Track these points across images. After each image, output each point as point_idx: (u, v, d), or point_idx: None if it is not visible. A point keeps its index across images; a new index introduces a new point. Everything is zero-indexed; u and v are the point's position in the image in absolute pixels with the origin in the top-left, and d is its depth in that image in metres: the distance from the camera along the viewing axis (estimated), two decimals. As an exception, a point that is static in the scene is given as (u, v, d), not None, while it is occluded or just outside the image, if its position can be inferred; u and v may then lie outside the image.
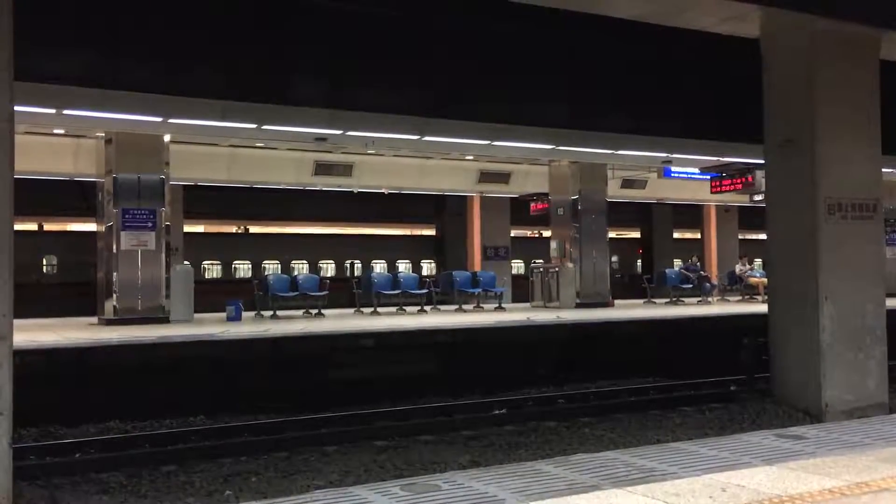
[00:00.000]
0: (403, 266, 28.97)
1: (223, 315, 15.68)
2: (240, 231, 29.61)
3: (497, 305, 19.04)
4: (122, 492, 7.74)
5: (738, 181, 19.00)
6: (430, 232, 29.90)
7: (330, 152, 18.08)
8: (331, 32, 11.28)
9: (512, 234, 27.01)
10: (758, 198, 19.61)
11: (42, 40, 9.58)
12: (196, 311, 15.51)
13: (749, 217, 28.52)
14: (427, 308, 18.36)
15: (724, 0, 9.32)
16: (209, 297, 18.55)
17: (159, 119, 12.65)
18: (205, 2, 10.76)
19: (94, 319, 15.16)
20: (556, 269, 19.59)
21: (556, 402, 12.01)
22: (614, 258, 28.33)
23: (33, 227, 24.49)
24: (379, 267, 28.10)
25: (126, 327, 13.51)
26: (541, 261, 22.02)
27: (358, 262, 28.53)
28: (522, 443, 9.52)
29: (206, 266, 26.35)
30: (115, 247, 14.43)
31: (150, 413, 10.30)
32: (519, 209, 24.81)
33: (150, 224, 14.58)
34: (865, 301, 10.20)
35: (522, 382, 12.81)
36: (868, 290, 10.27)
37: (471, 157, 20.05)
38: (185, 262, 17.56)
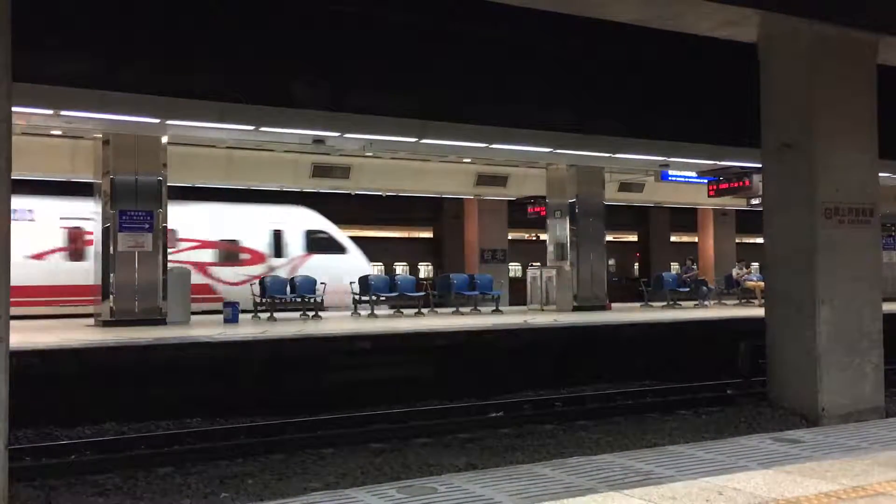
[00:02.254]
0: (400, 268, 28.97)
1: (220, 317, 15.66)
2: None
3: (494, 308, 19.04)
4: (117, 493, 7.73)
5: (736, 185, 19.03)
6: (428, 234, 29.93)
7: (328, 154, 18.09)
8: (330, 34, 11.29)
9: (509, 237, 27.04)
10: (755, 201, 19.63)
11: (40, 41, 9.57)
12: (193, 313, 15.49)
13: (746, 221, 28.56)
14: (424, 311, 18.37)
15: (722, 5, 9.33)
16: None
17: (157, 121, 12.65)
18: (204, 3, 10.76)
19: (91, 321, 15.13)
20: (554, 272, 19.60)
21: (553, 405, 12.02)
22: (611, 261, 28.33)
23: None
24: (376, 269, 28.10)
25: (123, 328, 13.51)
26: (538, 264, 22.08)
27: None
28: (519, 446, 9.51)
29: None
30: (111, 248, 14.40)
31: (147, 415, 10.29)
32: (516, 212, 24.83)
33: (147, 226, 14.56)
34: (862, 305, 10.21)
35: (519, 385, 12.81)
36: (865, 294, 10.29)
37: (468, 160, 20.07)
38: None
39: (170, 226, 17.71)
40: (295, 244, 20.79)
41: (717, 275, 26.61)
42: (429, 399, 11.85)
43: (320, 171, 19.05)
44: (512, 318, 16.70)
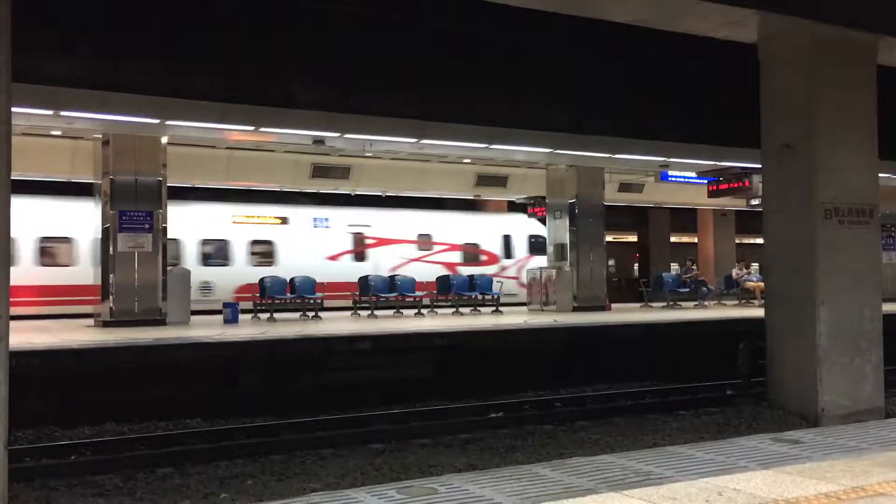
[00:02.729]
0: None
1: (220, 318, 15.66)
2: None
3: (494, 308, 19.05)
4: (117, 494, 7.74)
5: (735, 185, 19.01)
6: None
7: (328, 155, 18.09)
8: (330, 34, 11.29)
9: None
10: (755, 202, 19.62)
11: (40, 41, 9.57)
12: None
13: (746, 221, 28.56)
14: (424, 311, 18.38)
15: (722, 5, 9.32)
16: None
17: (157, 121, 12.64)
18: (204, 3, 10.76)
19: (91, 321, 15.13)
20: (554, 272, 19.60)
21: (553, 406, 12.02)
22: (611, 262, 28.36)
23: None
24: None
25: (122, 329, 13.50)
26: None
27: None
28: (519, 446, 9.52)
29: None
30: (111, 248, 14.40)
31: (147, 415, 10.29)
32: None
33: (146, 226, 14.55)
34: (862, 306, 10.21)
35: (519, 386, 12.81)
36: (864, 295, 10.29)
37: (468, 161, 20.06)
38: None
39: (426, 231, 22.25)
40: (520, 247, 23.99)
41: (716, 275, 26.60)
42: (428, 399, 11.85)
43: (320, 171, 19.04)
44: (512, 318, 16.71)
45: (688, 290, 21.80)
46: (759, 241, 12.56)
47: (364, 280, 18.40)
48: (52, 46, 9.89)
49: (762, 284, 16.33)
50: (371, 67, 11.63)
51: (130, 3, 10.42)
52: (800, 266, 10.10)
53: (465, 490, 4.86)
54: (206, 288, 18.79)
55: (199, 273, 17.91)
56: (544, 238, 23.77)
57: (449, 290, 19.25)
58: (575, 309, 18.85)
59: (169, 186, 15.12)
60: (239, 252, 20.41)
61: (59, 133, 15.10)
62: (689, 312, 18.85)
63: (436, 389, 12.15)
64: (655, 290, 21.80)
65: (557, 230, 19.84)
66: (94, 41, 10.21)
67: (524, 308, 20.11)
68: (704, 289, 21.93)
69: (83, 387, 10.26)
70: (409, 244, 22.53)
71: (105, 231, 14.65)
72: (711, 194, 20.04)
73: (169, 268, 15.14)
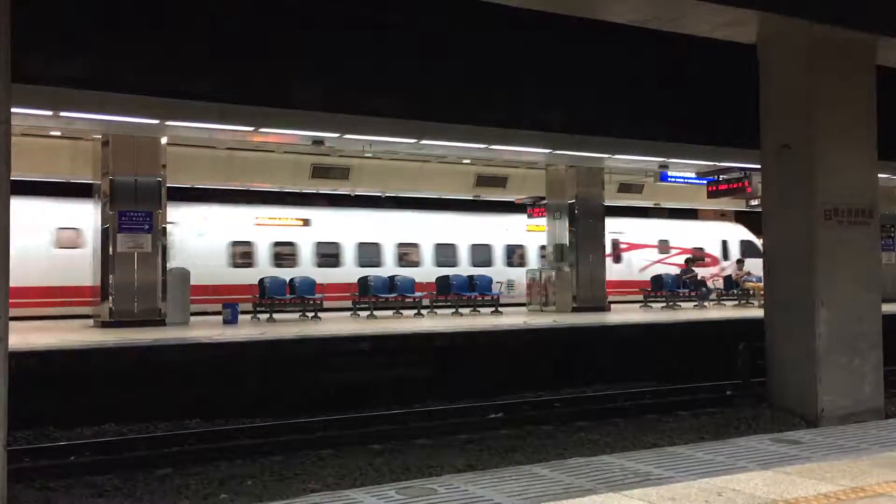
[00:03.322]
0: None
1: (219, 318, 15.66)
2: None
3: (494, 309, 19.04)
4: (117, 495, 7.74)
5: (735, 186, 19.00)
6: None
7: (327, 155, 18.08)
8: (330, 34, 11.28)
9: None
10: (754, 202, 19.62)
11: (40, 42, 9.57)
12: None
13: (746, 221, 28.57)
14: (424, 311, 18.38)
15: (721, 6, 9.32)
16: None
17: (156, 122, 12.64)
18: (203, 4, 10.76)
19: (90, 322, 15.12)
20: (553, 272, 19.59)
21: (553, 406, 12.01)
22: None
23: None
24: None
25: (122, 330, 13.50)
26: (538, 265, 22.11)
27: None
28: (519, 446, 9.51)
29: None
30: (111, 249, 14.39)
31: (146, 416, 10.28)
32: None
33: (146, 226, 14.54)
34: (861, 306, 10.21)
35: (519, 386, 12.80)
36: (864, 296, 10.29)
37: (468, 161, 20.06)
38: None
39: (665, 236, 26.42)
40: (734, 251, 26.95)
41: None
42: (428, 400, 11.84)
43: (320, 171, 19.05)
44: (511, 318, 16.70)
45: (687, 290, 21.78)
46: (759, 241, 12.55)
47: (363, 280, 18.38)
48: (52, 46, 9.88)
49: (761, 285, 16.33)
50: (371, 67, 11.62)
51: (130, 3, 10.42)
52: (799, 266, 10.11)
53: (464, 490, 4.86)
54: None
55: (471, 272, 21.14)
56: (752, 242, 26.95)
57: (448, 291, 19.23)
58: (574, 309, 18.83)
59: (448, 199, 20.25)
60: (498, 256, 23.88)
61: (58, 133, 15.09)
62: (689, 313, 18.85)
63: (435, 390, 12.14)
64: (655, 291, 21.74)
65: (557, 231, 19.82)
66: (94, 41, 10.20)
67: (524, 308, 20.11)
68: (704, 289, 21.92)
69: (82, 387, 10.25)
70: (653, 248, 26.14)
71: (105, 231, 14.64)
72: (711, 195, 20.03)
73: (169, 268, 15.14)
